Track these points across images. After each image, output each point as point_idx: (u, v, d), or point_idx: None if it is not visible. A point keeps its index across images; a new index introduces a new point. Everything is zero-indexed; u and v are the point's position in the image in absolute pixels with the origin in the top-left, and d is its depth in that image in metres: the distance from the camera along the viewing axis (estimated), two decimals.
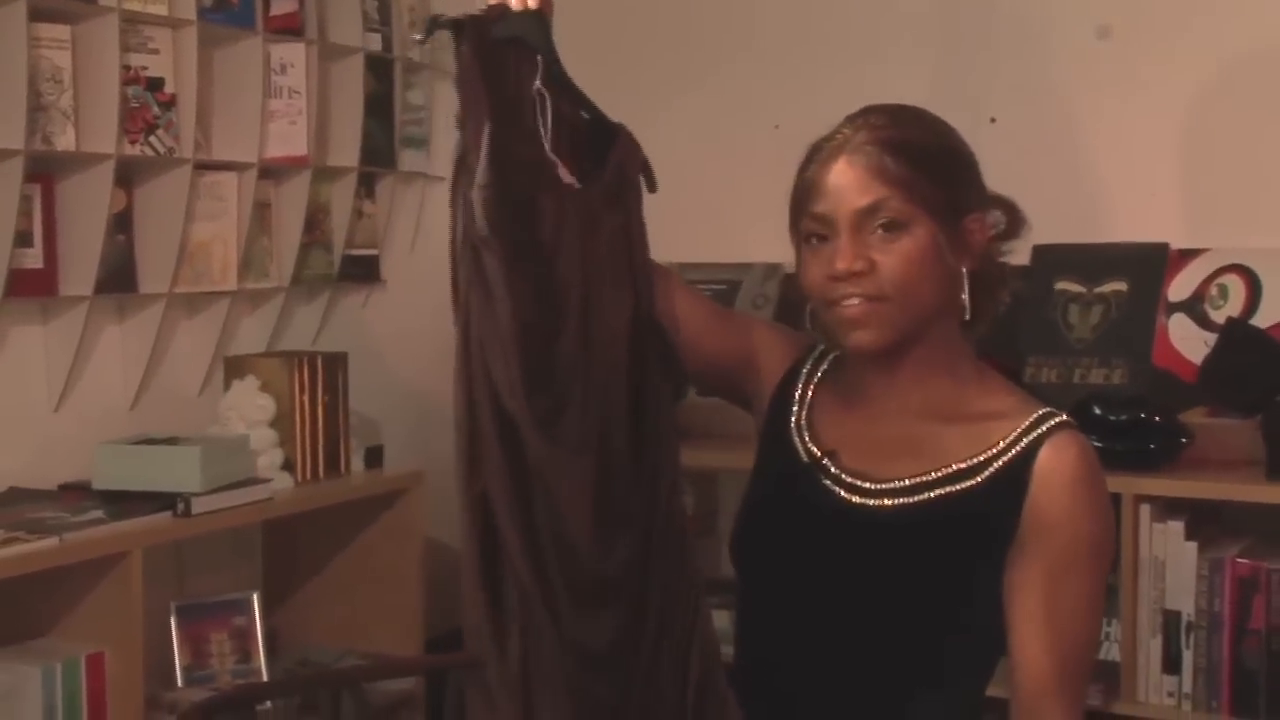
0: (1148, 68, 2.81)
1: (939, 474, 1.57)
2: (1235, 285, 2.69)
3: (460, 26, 1.55)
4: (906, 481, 1.58)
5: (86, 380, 2.63)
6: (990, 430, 1.58)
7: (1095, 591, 1.58)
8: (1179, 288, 2.73)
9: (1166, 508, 2.53)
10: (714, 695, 1.56)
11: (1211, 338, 2.64)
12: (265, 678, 2.71)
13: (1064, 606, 1.54)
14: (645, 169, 1.60)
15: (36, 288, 2.50)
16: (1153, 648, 2.52)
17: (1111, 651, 2.54)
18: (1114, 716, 2.53)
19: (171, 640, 2.63)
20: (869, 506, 1.59)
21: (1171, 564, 2.51)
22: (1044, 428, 1.56)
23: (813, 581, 1.61)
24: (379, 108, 3.17)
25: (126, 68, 2.57)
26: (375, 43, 3.15)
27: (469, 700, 1.60)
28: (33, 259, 2.48)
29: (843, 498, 1.60)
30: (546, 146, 1.54)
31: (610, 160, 1.58)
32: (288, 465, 2.76)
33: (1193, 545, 2.50)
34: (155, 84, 2.64)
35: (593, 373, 1.51)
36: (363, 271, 3.22)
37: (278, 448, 2.74)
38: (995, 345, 1.73)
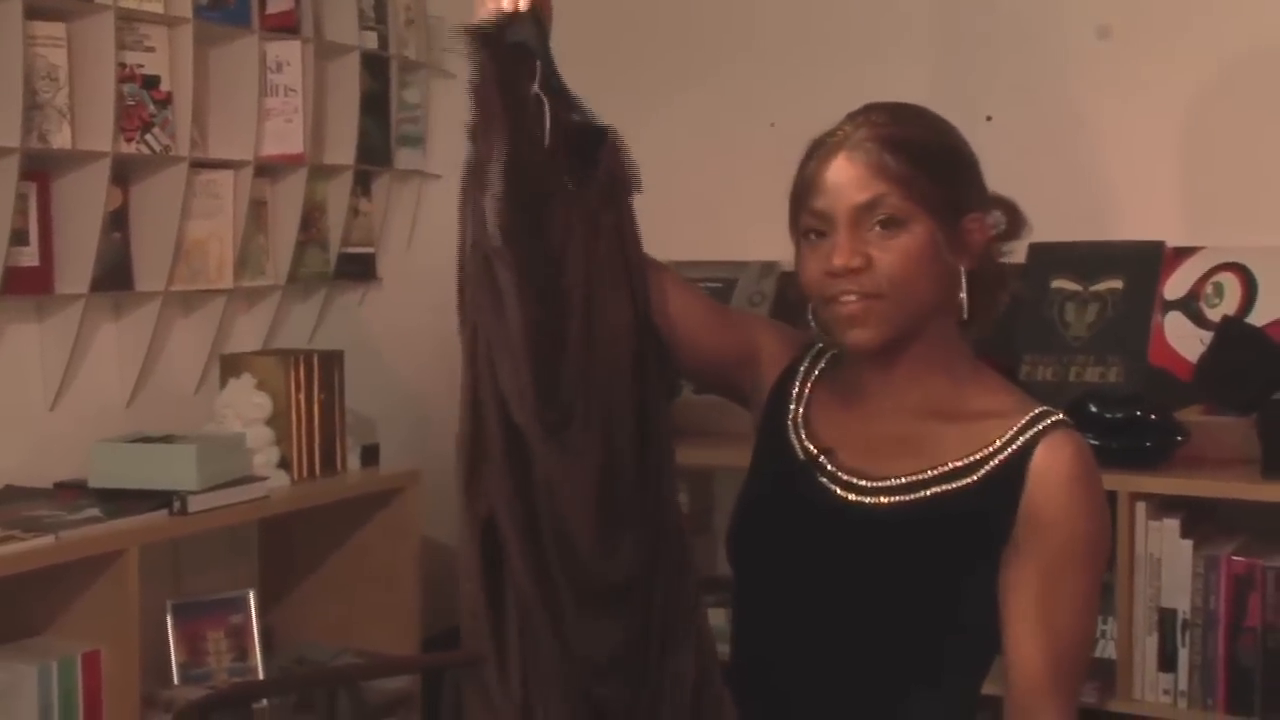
0: (1147, 67, 2.81)
1: (935, 472, 1.57)
2: (1231, 283, 2.69)
3: (486, 36, 1.54)
4: (903, 479, 1.58)
5: (82, 378, 2.63)
6: (987, 429, 1.57)
7: (1091, 590, 1.57)
8: (1175, 286, 2.74)
9: (1162, 505, 2.53)
10: (711, 694, 1.56)
11: (1207, 336, 2.65)
12: (261, 676, 2.71)
13: (1059, 605, 1.54)
14: (632, 169, 1.60)
15: (32, 285, 2.50)
16: (1148, 645, 2.52)
17: (1107, 649, 2.55)
18: (1110, 714, 2.53)
19: (168, 638, 2.63)
20: (865, 504, 1.59)
21: (1167, 562, 2.51)
22: (1040, 426, 1.56)
23: (809, 579, 1.61)
24: (375, 106, 3.17)
25: (122, 65, 2.57)
26: (371, 41, 3.15)
27: (466, 699, 1.60)
28: (28, 257, 2.48)
29: (839, 495, 1.60)
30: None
31: (601, 160, 1.57)
32: (284, 463, 2.76)
33: (1188, 543, 2.51)
34: (151, 82, 2.64)
35: (596, 373, 1.51)
36: (359, 270, 3.22)
37: (274, 446, 2.74)
38: (991, 343, 1.72)
